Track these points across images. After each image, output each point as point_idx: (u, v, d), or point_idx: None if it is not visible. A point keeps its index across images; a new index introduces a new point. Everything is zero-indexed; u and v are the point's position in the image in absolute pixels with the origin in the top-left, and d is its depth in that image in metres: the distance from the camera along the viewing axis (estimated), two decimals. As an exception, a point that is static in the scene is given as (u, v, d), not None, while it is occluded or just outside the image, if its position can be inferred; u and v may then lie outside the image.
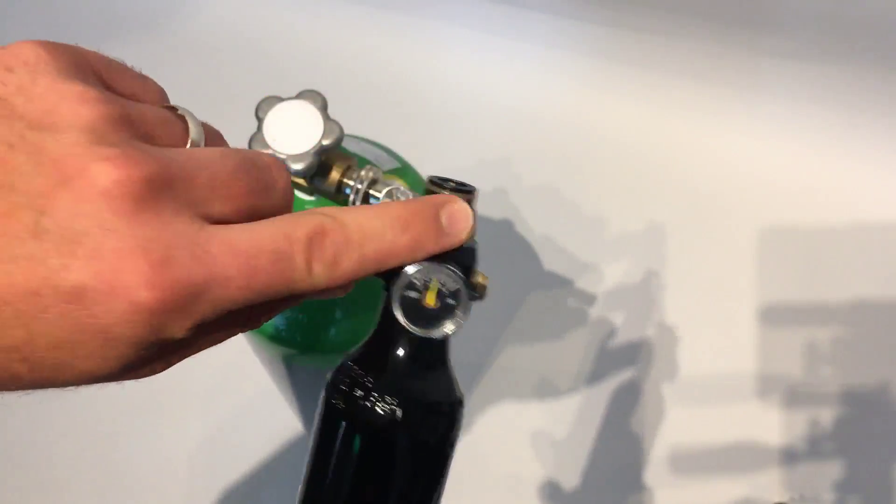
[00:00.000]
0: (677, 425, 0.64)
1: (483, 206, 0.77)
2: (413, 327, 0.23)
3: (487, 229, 0.75)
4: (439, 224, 0.23)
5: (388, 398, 0.23)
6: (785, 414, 0.64)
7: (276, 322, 0.42)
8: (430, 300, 0.23)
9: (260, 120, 0.33)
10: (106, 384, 0.20)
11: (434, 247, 0.22)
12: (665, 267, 0.73)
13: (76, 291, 0.17)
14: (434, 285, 0.23)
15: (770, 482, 0.61)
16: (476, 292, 0.25)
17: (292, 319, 0.42)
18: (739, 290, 0.71)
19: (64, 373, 0.18)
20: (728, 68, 0.77)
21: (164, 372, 0.22)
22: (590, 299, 0.71)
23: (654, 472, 0.62)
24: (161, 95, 0.24)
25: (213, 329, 0.20)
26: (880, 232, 0.74)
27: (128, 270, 0.17)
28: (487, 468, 0.63)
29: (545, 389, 0.66)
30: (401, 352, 0.24)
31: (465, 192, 0.24)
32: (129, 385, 0.67)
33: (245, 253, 0.19)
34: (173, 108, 0.22)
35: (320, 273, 0.20)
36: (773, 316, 0.69)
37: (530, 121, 0.85)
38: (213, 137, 0.24)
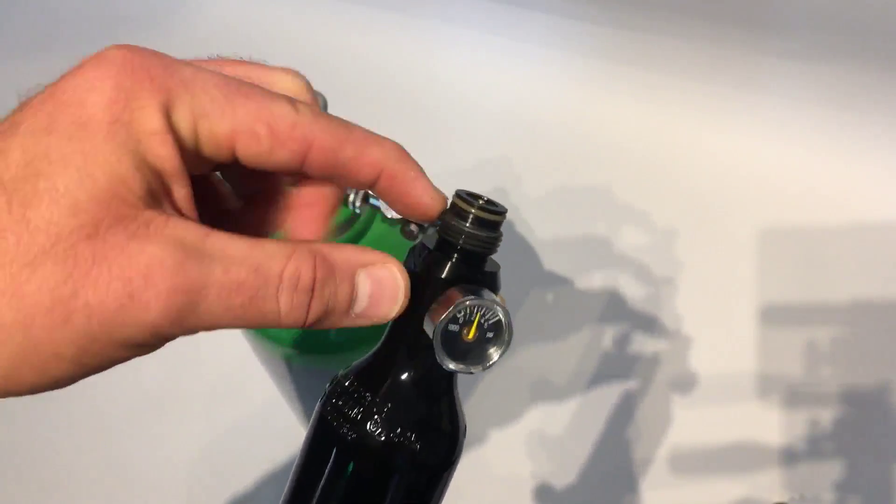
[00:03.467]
0: (677, 425, 0.64)
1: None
2: (453, 364, 0.22)
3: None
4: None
5: (391, 425, 0.22)
6: (785, 414, 0.64)
7: (276, 322, 0.42)
8: (471, 334, 0.22)
9: (260, 120, 0.33)
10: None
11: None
12: (665, 267, 0.73)
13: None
14: (476, 318, 0.22)
15: (770, 482, 0.60)
16: None
17: (292, 319, 0.42)
18: (739, 290, 0.71)
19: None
20: (728, 68, 0.77)
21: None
22: (589, 299, 0.71)
23: (654, 472, 0.62)
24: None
25: None
26: (880, 232, 0.74)
27: None
28: (488, 468, 0.63)
29: (545, 389, 0.66)
30: (409, 375, 0.22)
31: (494, 212, 0.22)
32: (132, 387, 0.68)
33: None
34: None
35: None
36: (773, 316, 0.69)
37: (530, 121, 0.85)
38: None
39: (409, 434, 0.22)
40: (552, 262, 0.74)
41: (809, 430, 0.63)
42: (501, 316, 0.22)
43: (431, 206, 0.22)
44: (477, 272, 0.22)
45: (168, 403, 0.66)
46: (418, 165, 0.22)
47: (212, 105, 0.19)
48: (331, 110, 0.35)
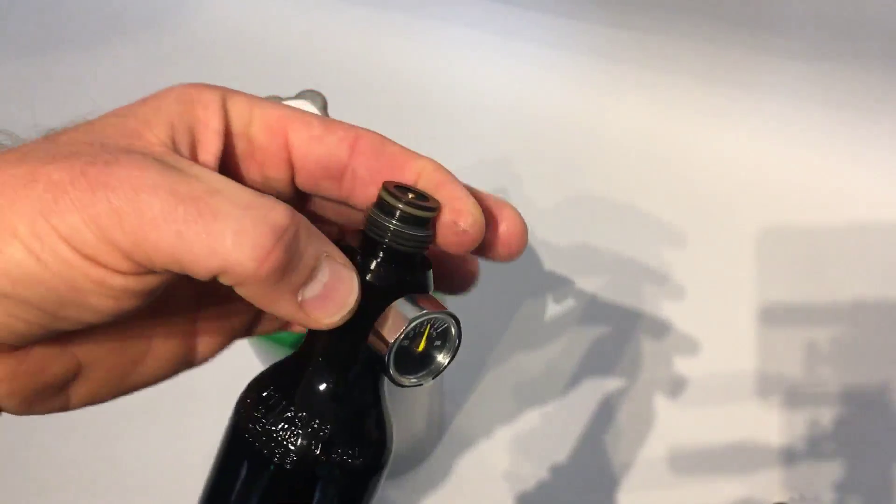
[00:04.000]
0: (677, 425, 0.64)
1: (483, 206, 0.77)
2: (407, 380, 0.20)
3: (487, 229, 0.75)
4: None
5: (331, 446, 0.20)
6: (785, 414, 0.64)
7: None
8: (422, 345, 0.20)
9: (260, 120, 0.33)
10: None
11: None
12: (665, 267, 0.73)
13: None
14: (427, 330, 0.20)
15: (770, 482, 0.60)
16: None
17: (292, 319, 0.42)
18: (739, 290, 0.71)
19: None
20: (728, 68, 0.77)
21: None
22: (590, 299, 0.71)
23: (654, 472, 0.62)
24: None
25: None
26: (880, 232, 0.74)
27: None
28: (486, 468, 0.63)
29: (544, 389, 0.66)
30: (340, 387, 0.21)
31: (423, 208, 0.20)
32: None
33: None
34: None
35: None
36: (773, 316, 0.69)
37: (530, 120, 0.85)
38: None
39: (349, 451, 0.20)
40: (552, 261, 0.74)
41: (809, 430, 0.63)
42: (451, 324, 0.21)
43: (475, 217, 0.20)
44: (407, 273, 0.20)
45: (171, 407, 0.66)
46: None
47: (268, 102, 0.20)
48: (331, 110, 0.35)
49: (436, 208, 0.20)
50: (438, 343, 0.21)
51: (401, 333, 0.19)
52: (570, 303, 0.71)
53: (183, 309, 0.23)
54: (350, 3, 0.93)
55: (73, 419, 0.70)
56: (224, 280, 0.17)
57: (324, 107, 0.35)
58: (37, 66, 0.92)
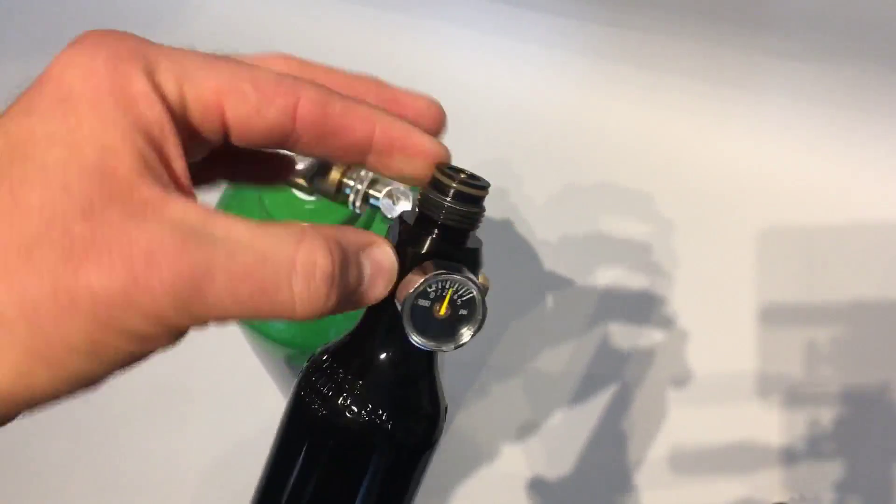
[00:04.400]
0: (677, 425, 0.64)
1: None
2: (423, 341, 0.21)
3: (487, 230, 0.75)
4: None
5: (362, 401, 0.21)
6: (785, 414, 0.64)
7: (276, 322, 0.42)
8: (443, 310, 0.21)
9: (260, 120, 0.33)
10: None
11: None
12: (665, 267, 0.73)
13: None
14: (448, 294, 0.21)
15: (770, 482, 0.61)
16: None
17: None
18: (739, 290, 0.71)
19: None
20: (728, 68, 0.77)
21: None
22: (590, 299, 0.71)
23: (654, 472, 0.62)
24: None
25: None
26: (880, 232, 0.74)
27: None
28: (487, 467, 0.63)
29: (545, 389, 0.66)
30: (385, 353, 0.22)
31: (477, 186, 0.21)
32: (137, 393, 0.67)
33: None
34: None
35: None
36: (773, 316, 0.69)
37: (530, 121, 0.85)
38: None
39: (380, 412, 0.21)
40: (552, 261, 0.74)
41: (809, 430, 0.63)
42: (475, 293, 0.21)
43: (438, 152, 0.22)
44: (457, 249, 0.22)
45: (170, 407, 0.66)
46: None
47: (195, 69, 0.18)
48: (331, 110, 0.35)
49: (487, 186, 0.22)
50: (464, 313, 0.21)
51: (415, 288, 0.20)
52: (568, 303, 0.71)
53: None
54: (350, 2, 0.93)
55: (73, 419, 0.70)
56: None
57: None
58: (37, 66, 0.92)
